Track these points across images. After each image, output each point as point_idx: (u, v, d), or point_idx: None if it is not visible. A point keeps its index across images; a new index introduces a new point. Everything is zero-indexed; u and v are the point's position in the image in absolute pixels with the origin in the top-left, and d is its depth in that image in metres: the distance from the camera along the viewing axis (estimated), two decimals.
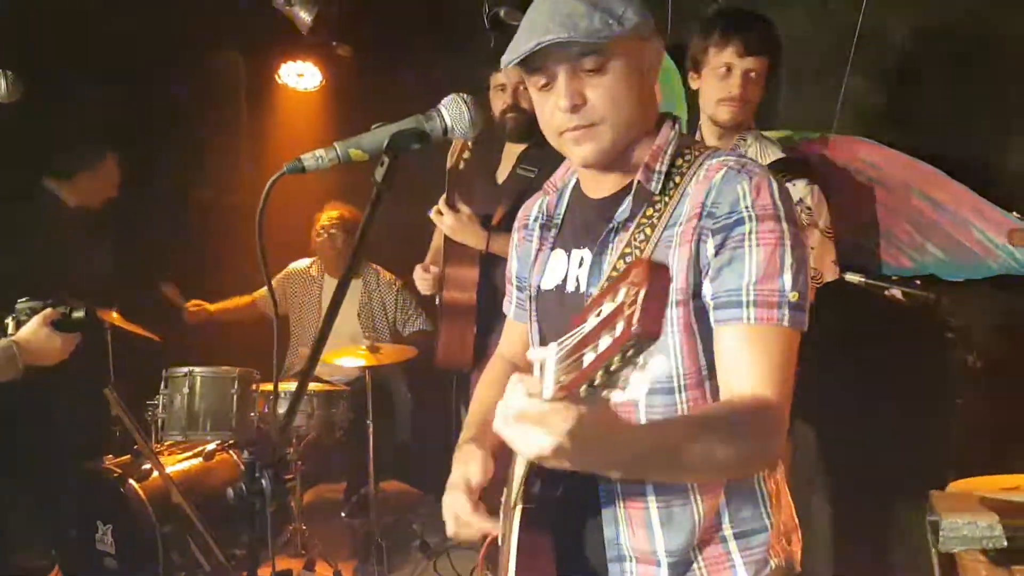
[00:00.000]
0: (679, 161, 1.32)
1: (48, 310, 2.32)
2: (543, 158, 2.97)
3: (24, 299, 2.36)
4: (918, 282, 2.13)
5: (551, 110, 1.29)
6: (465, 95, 1.09)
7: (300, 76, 4.57)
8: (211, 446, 3.57)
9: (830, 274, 2.32)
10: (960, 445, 2.31)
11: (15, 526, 3.87)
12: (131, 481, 3.25)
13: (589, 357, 0.87)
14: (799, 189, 2.25)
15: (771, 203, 1.23)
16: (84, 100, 4.36)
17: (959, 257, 2.75)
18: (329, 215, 4.22)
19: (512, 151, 3.12)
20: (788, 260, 1.22)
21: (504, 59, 1.25)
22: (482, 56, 3.32)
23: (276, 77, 4.58)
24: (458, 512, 1.33)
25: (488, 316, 3.10)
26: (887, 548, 2.83)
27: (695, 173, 1.30)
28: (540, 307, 1.45)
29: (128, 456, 3.42)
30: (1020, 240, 2.42)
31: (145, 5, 3.99)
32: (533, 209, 1.54)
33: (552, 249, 1.44)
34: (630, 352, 0.83)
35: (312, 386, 3.82)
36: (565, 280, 1.39)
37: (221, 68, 4.55)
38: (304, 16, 3.56)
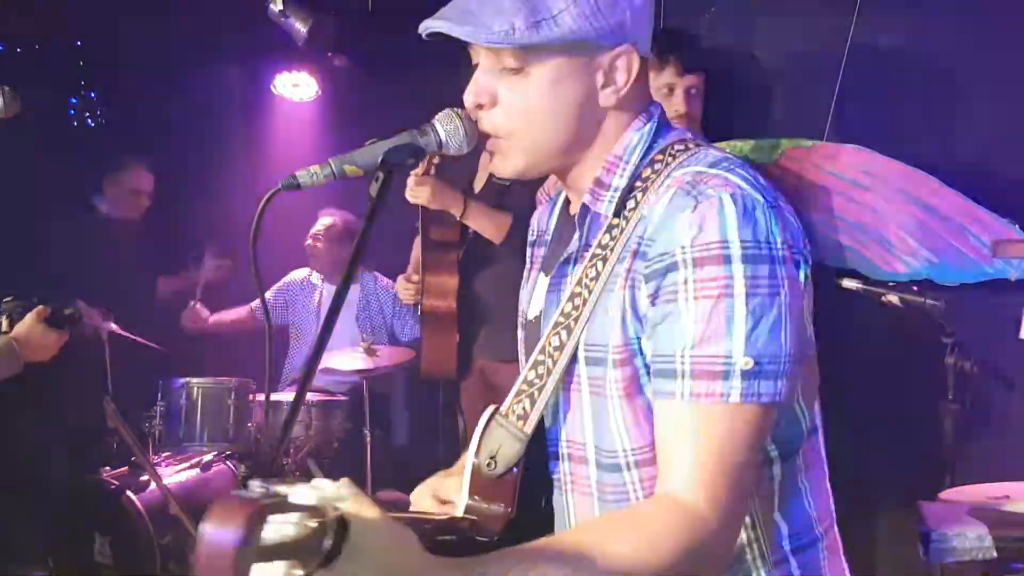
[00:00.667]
0: (647, 172, 1.07)
1: (40, 307, 2.35)
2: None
3: (9, 298, 2.39)
4: (915, 288, 2.13)
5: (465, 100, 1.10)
6: (459, 109, 1.10)
7: (296, 87, 4.59)
8: (208, 457, 3.57)
9: None
10: (953, 452, 2.32)
11: (13, 537, 3.87)
12: (129, 492, 3.25)
13: None
14: None
15: (718, 239, 0.95)
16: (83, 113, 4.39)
17: (954, 262, 2.76)
18: (322, 223, 4.23)
19: (487, 159, 3.13)
20: (738, 315, 0.95)
21: (421, 26, 1.08)
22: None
23: (272, 88, 4.60)
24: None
25: (470, 323, 3.11)
26: (877, 559, 2.83)
27: (657, 188, 1.04)
28: (525, 340, 1.27)
29: (126, 467, 3.42)
30: (1003, 251, 2.42)
31: (141, 17, 4.00)
32: (533, 223, 1.36)
33: (540, 271, 1.25)
34: None
35: (309, 396, 3.83)
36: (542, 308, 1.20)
37: (216, 79, 4.56)
38: (299, 27, 3.58)
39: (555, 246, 1.23)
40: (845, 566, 1.14)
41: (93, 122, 4.82)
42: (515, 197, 2.97)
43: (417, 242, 3.34)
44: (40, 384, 3.61)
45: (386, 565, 0.81)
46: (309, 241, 4.25)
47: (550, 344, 1.08)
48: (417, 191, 2.86)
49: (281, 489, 0.75)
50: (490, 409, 1.13)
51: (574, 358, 1.07)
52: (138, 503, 3.23)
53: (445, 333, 3.12)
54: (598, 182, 1.09)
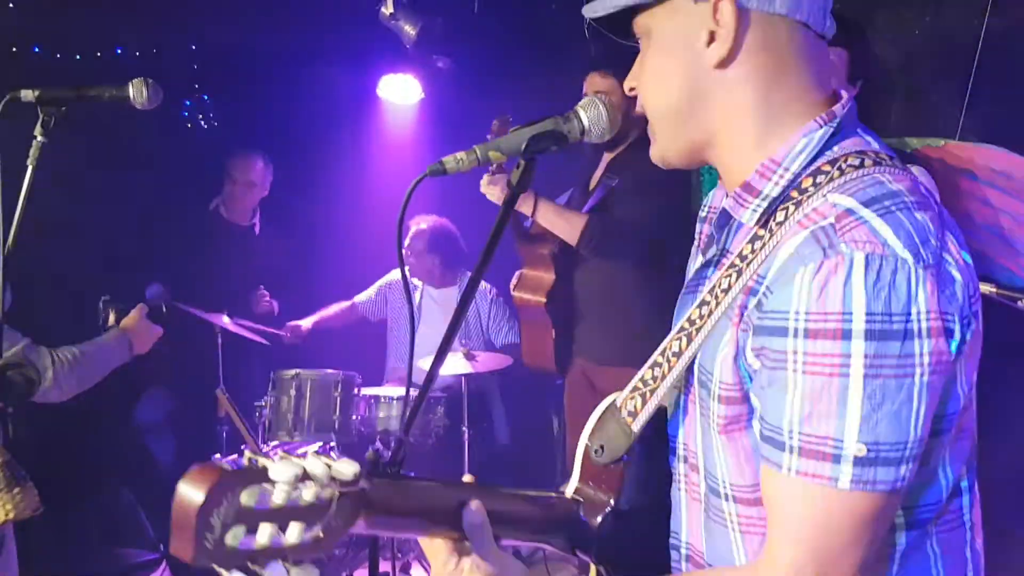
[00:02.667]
0: (807, 182, 0.94)
1: (141, 304, 2.58)
2: (628, 165, 2.96)
3: (107, 297, 2.61)
4: None
5: None
6: (602, 96, 1.10)
7: (400, 90, 4.67)
8: (314, 447, 3.66)
9: None
10: None
11: (127, 521, 4.05)
12: None
13: None
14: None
15: (838, 310, 0.84)
16: (196, 115, 4.58)
17: None
18: (413, 232, 4.28)
19: (606, 158, 3.11)
20: (853, 397, 0.84)
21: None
22: (579, 67, 3.33)
23: (377, 90, 4.69)
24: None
25: (567, 321, 3.07)
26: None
27: (805, 210, 0.92)
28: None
29: (235, 455, 3.53)
30: None
31: (252, 21, 4.14)
32: (707, 198, 1.27)
33: (698, 247, 1.22)
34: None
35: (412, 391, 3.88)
36: None
37: (324, 82, 4.68)
38: (408, 30, 3.64)
39: (708, 244, 1.16)
40: None
41: (206, 124, 5.04)
42: (620, 200, 2.93)
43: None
44: (155, 374, 3.79)
45: None
46: (404, 250, 4.30)
47: (670, 348, 1.03)
48: (490, 188, 2.84)
49: (263, 461, 0.77)
50: (610, 398, 1.12)
51: (691, 369, 1.03)
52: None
53: (539, 327, 3.10)
54: (747, 186, 0.98)
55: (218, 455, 3.58)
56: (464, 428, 3.69)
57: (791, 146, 0.97)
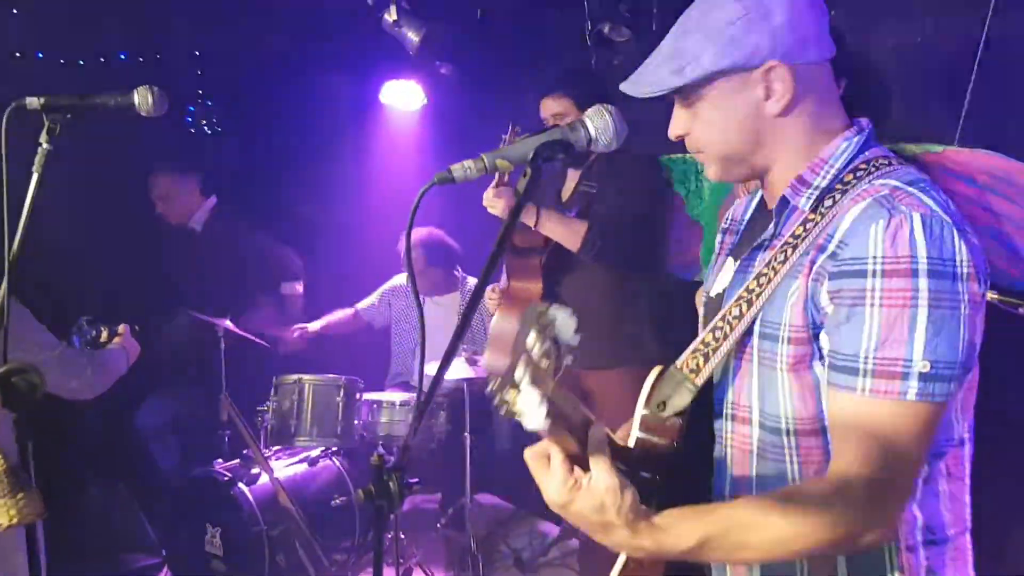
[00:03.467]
0: (849, 176, 1.19)
1: (125, 325, 2.72)
2: (606, 171, 2.99)
3: (88, 317, 2.71)
4: None
5: None
6: (609, 106, 1.11)
7: (403, 96, 4.68)
8: (316, 452, 3.67)
9: None
10: None
11: (128, 526, 4.06)
12: (240, 484, 3.36)
13: None
14: None
15: (908, 254, 1.07)
16: (200, 120, 4.59)
17: None
18: (406, 250, 4.28)
19: (573, 174, 3.14)
20: (920, 324, 1.06)
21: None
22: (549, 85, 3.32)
23: (380, 97, 4.70)
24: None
25: None
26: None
27: (853, 193, 1.16)
28: (704, 315, 1.41)
29: (237, 460, 3.54)
30: None
31: (251, 25, 4.16)
32: (728, 212, 1.51)
33: (727, 256, 1.41)
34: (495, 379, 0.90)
35: (411, 397, 3.89)
36: (724, 288, 1.36)
37: (327, 88, 4.70)
38: (412, 36, 3.65)
39: (747, 235, 1.38)
40: (972, 574, 1.22)
41: (210, 129, 5.05)
42: (599, 204, 2.96)
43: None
44: (157, 379, 3.79)
45: (604, 517, 1.03)
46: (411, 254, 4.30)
47: (731, 314, 1.22)
48: (494, 202, 2.86)
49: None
50: (657, 370, 1.29)
51: (750, 331, 1.21)
52: (249, 495, 3.33)
53: None
54: (801, 179, 1.22)
55: (220, 460, 3.58)
56: (466, 434, 3.69)
57: (835, 148, 1.22)
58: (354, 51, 4.51)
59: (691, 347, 1.26)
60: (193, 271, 4.08)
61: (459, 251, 4.30)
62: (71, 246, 3.67)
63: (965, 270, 1.08)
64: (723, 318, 1.23)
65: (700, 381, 1.22)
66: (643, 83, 1.21)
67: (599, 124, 1.09)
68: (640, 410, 1.25)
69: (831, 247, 1.13)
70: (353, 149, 4.91)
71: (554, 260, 3.03)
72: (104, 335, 2.66)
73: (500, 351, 0.90)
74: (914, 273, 1.06)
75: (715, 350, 1.22)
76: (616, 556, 1.20)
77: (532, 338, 0.91)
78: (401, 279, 4.49)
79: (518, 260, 3.10)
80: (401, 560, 3.73)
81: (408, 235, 1.10)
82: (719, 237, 1.50)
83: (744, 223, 1.43)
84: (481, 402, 4.12)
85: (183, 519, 3.52)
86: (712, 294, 1.39)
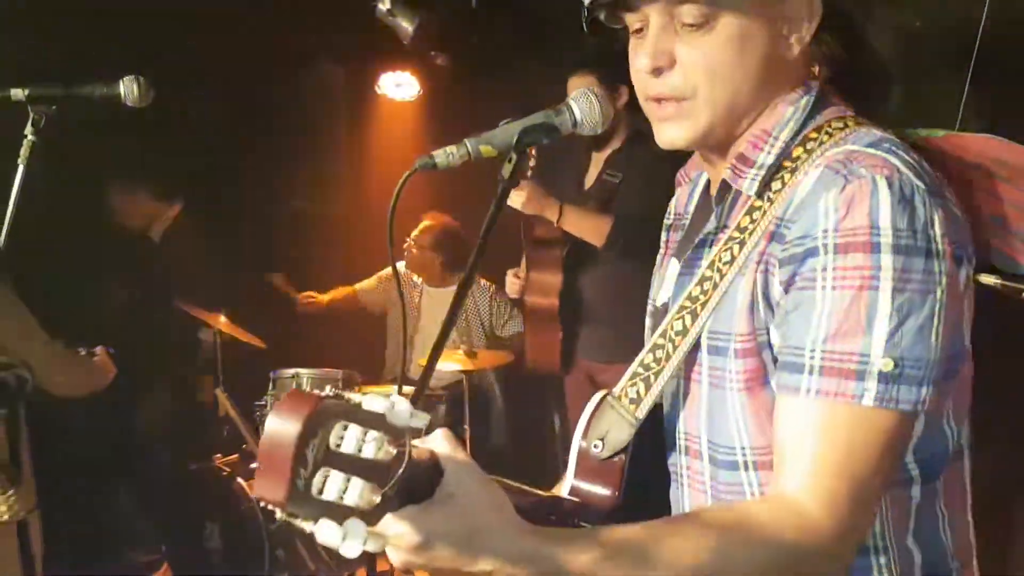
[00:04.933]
0: (798, 151, 0.97)
1: (102, 347, 2.74)
2: (631, 161, 2.96)
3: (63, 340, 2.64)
4: None
5: (636, 68, 1.02)
6: (595, 88, 1.08)
7: (398, 86, 4.66)
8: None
9: None
10: None
11: (126, 523, 4.05)
12: (239, 480, 3.35)
13: None
14: None
15: (866, 224, 0.86)
16: (186, 110, 4.55)
17: None
18: (421, 227, 4.26)
19: (597, 157, 3.10)
20: (882, 309, 0.85)
21: None
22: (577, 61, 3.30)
23: (376, 87, 4.68)
24: None
25: (573, 321, 3.09)
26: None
27: (807, 169, 0.95)
28: (652, 328, 1.17)
29: (236, 455, 3.53)
30: None
31: (247, 15, 4.13)
32: (671, 205, 1.27)
33: (673, 256, 1.17)
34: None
35: (409, 390, 3.87)
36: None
37: (322, 78, 4.67)
38: (406, 26, 3.63)
39: (692, 230, 1.15)
40: None
41: (202, 121, 5.02)
42: (624, 196, 2.93)
43: None
44: (155, 375, 3.78)
45: (476, 521, 0.77)
46: (408, 242, 4.30)
47: (672, 329, 1.02)
48: (513, 195, 2.82)
49: (355, 397, 0.69)
50: (601, 392, 1.09)
51: (697, 346, 1.00)
52: (248, 489, 3.33)
53: (548, 330, 3.11)
54: (741, 157, 1.00)
55: (218, 455, 3.57)
56: (465, 427, 3.68)
57: (780, 116, 1.00)
58: (349, 41, 4.48)
59: (629, 370, 1.05)
60: (151, 283, 4.02)
61: (467, 251, 4.28)
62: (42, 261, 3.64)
63: (940, 246, 0.88)
64: (663, 334, 1.03)
65: (642, 414, 1.02)
66: None
67: (583, 106, 1.06)
68: (577, 443, 1.06)
69: (780, 229, 0.93)
70: (349, 140, 4.88)
71: (576, 253, 3.01)
72: (83, 351, 2.70)
73: (274, 476, 0.61)
74: (875, 247, 0.86)
75: (657, 374, 1.02)
76: None
77: (342, 440, 0.66)
78: (401, 267, 4.46)
79: (540, 252, 3.09)
80: None
81: (391, 219, 1.07)
82: (663, 235, 1.27)
83: (689, 216, 1.19)
84: (480, 394, 4.11)
85: (182, 514, 3.52)
86: (658, 303, 1.17)
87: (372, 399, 0.69)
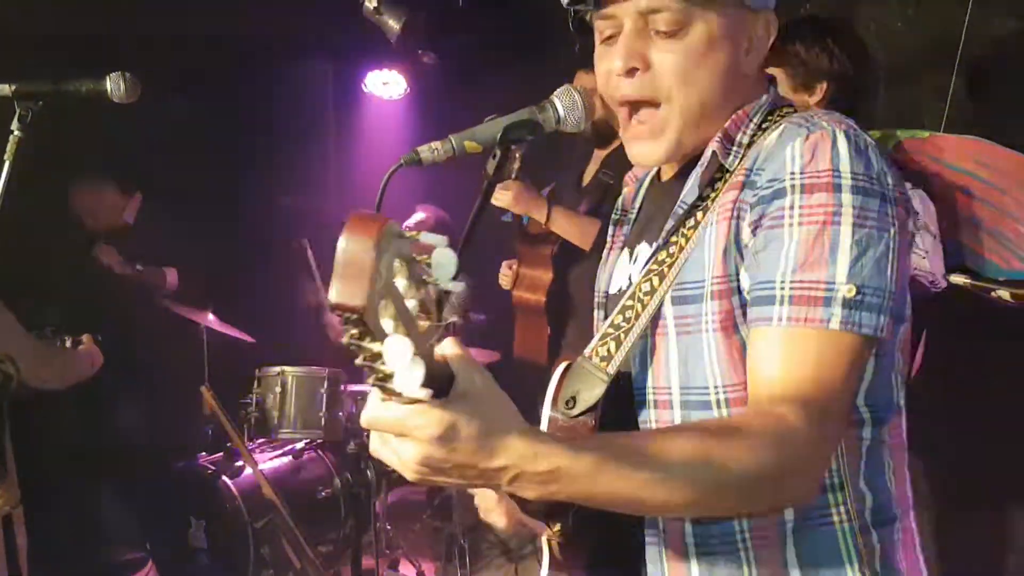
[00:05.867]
0: (758, 131, 1.09)
1: (88, 335, 2.71)
2: (625, 162, 2.97)
3: (52, 327, 2.70)
4: None
5: (607, 71, 1.07)
6: (577, 86, 1.09)
7: (385, 84, 4.67)
8: (300, 445, 3.65)
9: (942, 281, 2.24)
10: None
11: (110, 520, 4.03)
12: (224, 477, 3.34)
13: None
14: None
15: (828, 168, 0.96)
16: (171, 106, 4.53)
17: None
18: (414, 218, 4.25)
19: (598, 155, 3.12)
20: (844, 242, 0.94)
21: None
22: (563, 61, 3.32)
23: (363, 86, 4.68)
24: (483, 498, 1.21)
25: (562, 317, 3.10)
26: (996, 560, 2.71)
27: (765, 137, 1.05)
28: (605, 315, 1.24)
29: (221, 453, 3.52)
30: None
31: (234, 13, 4.12)
32: (618, 203, 1.35)
33: (621, 248, 1.25)
34: (355, 332, 0.66)
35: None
36: (624, 281, 1.19)
37: (309, 76, 4.66)
38: (393, 24, 3.62)
39: (644, 219, 1.23)
40: (920, 558, 1.10)
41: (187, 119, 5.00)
42: (615, 198, 2.95)
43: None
44: (140, 372, 3.76)
45: (491, 418, 0.79)
46: None
47: (640, 290, 1.08)
48: (500, 194, 2.83)
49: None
50: (565, 362, 1.12)
51: (663, 303, 1.06)
52: (233, 488, 3.32)
53: (535, 326, 3.12)
54: (725, 135, 1.07)
55: (203, 453, 3.55)
56: None
57: (758, 104, 1.10)
58: (336, 40, 4.48)
59: (599, 333, 1.10)
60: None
61: (457, 244, 4.27)
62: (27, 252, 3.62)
63: (892, 193, 0.98)
64: (632, 296, 1.08)
65: (613, 369, 1.06)
66: None
67: (567, 103, 1.07)
68: (547, 412, 1.09)
69: (750, 178, 1.02)
70: (336, 138, 4.88)
71: (566, 250, 3.02)
72: (68, 343, 2.67)
73: (353, 281, 0.62)
74: (836, 188, 0.95)
75: (627, 332, 1.07)
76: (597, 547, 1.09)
77: (398, 274, 0.69)
78: None
79: (530, 248, 3.10)
80: (388, 551, 3.73)
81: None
82: (610, 230, 1.35)
83: (638, 210, 1.28)
84: None
85: (167, 512, 3.51)
86: (611, 292, 1.23)
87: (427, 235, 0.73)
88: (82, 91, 1.79)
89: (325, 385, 3.67)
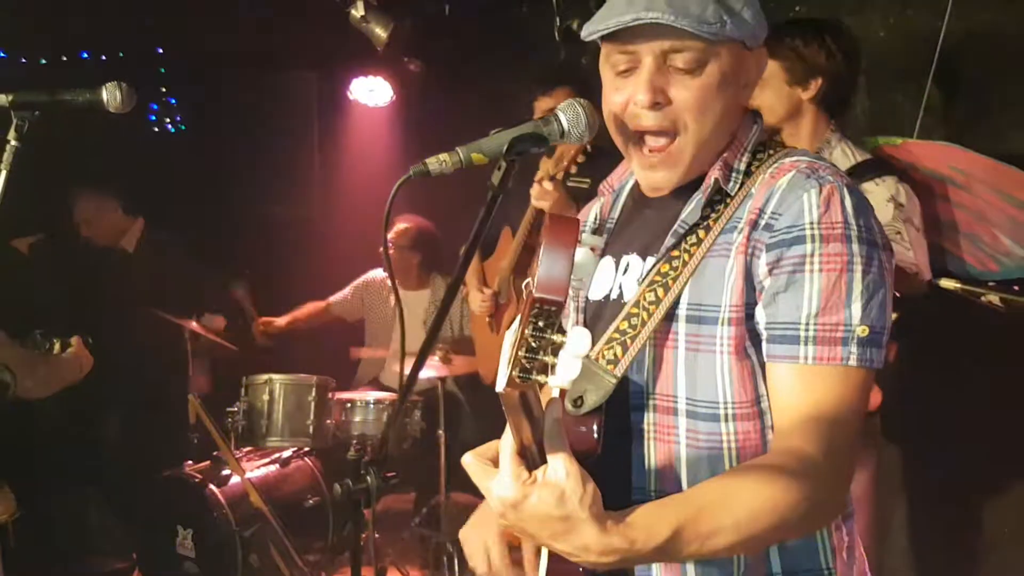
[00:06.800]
0: (753, 159, 1.21)
1: (77, 337, 2.67)
2: (595, 167, 3.00)
3: (41, 330, 2.66)
4: (1016, 288, 2.08)
5: (624, 101, 1.16)
6: (581, 99, 1.12)
7: (371, 91, 4.67)
8: (287, 453, 3.64)
9: (927, 272, 2.29)
10: None
11: (96, 529, 4.00)
12: (211, 486, 3.33)
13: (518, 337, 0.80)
14: (889, 186, 2.24)
15: (841, 220, 1.08)
16: (163, 118, 4.53)
17: None
18: (398, 228, 4.26)
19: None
20: (856, 288, 1.07)
21: (588, 28, 1.14)
22: (550, 70, 3.35)
23: (348, 93, 4.69)
24: (491, 555, 1.27)
25: None
26: (977, 558, 2.76)
27: (764, 172, 1.18)
28: (588, 320, 1.31)
29: (208, 462, 3.50)
30: None
31: (219, 21, 4.12)
32: (589, 214, 1.41)
33: (602, 256, 1.32)
34: (541, 323, 0.76)
35: (385, 396, 3.88)
36: (611, 289, 1.26)
37: (294, 83, 4.67)
38: (380, 32, 3.64)
39: (625, 230, 1.31)
40: (861, 550, 1.24)
41: (173, 127, 4.99)
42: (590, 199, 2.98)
43: (499, 255, 3.36)
44: (125, 380, 3.75)
45: (569, 510, 0.93)
46: (390, 248, 4.28)
47: (645, 299, 1.17)
48: (547, 195, 2.86)
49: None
50: None
51: (670, 316, 1.16)
52: (220, 496, 3.30)
53: None
54: (725, 163, 1.18)
55: (190, 461, 3.54)
56: (440, 431, 3.69)
57: (750, 133, 1.22)
58: (322, 47, 4.48)
59: (604, 336, 1.18)
60: (127, 291, 3.98)
61: (442, 252, 4.29)
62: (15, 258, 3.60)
63: (882, 240, 1.11)
64: (637, 304, 1.17)
65: (620, 372, 1.15)
66: (688, 13, 1.08)
67: (570, 117, 1.10)
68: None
69: (764, 221, 1.12)
70: (321, 145, 4.88)
71: None
72: (57, 346, 2.65)
73: (557, 279, 0.78)
74: (847, 239, 1.08)
75: (633, 337, 1.15)
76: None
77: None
78: (374, 274, 4.46)
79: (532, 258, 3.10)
80: (375, 560, 3.72)
81: (385, 226, 1.11)
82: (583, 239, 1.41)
83: (617, 220, 1.35)
84: (454, 399, 4.12)
85: (154, 521, 3.48)
86: (593, 298, 1.30)
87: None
88: (79, 101, 1.78)
89: (313, 393, 3.66)
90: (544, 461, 0.95)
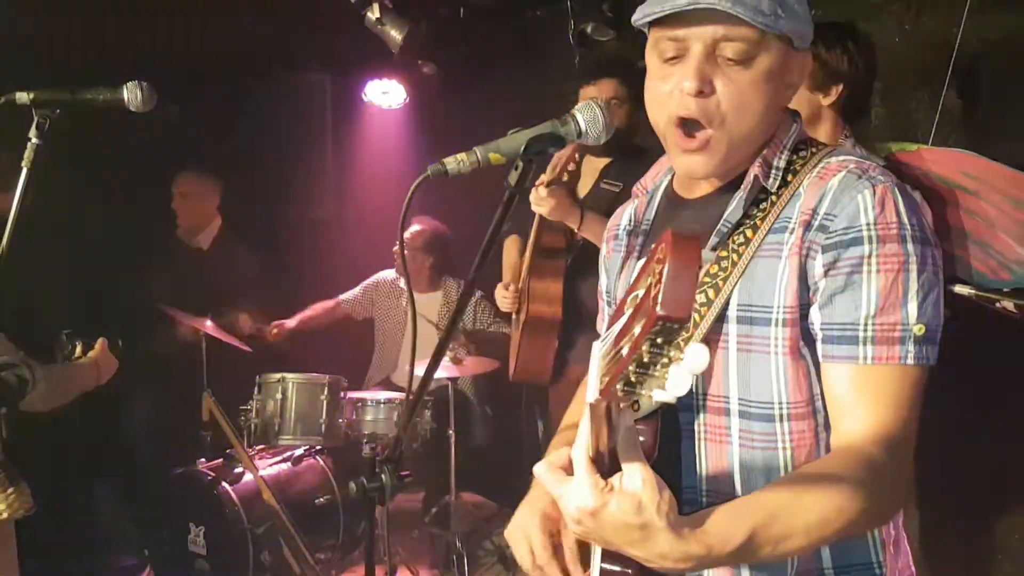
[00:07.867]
0: (795, 157, 1.20)
1: (102, 339, 2.65)
2: (628, 171, 3.00)
3: (68, 331, 2.66)
4: None
5: (671, 88, 1.14)
6: (598, 100, 1.13)
7: (385, 94, 4.69)
8: (299, 451, 3.66)
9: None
10: None
11: (109, 527, 4.03)
12: (224, 483, 3.35)
13: (624, 351, 0.80)
14: None
15: (896, 220, 1.09)
16: (171, 120, 4.56)
17: None
18: (412, 230, 4.27)
19: (594, 165, 3.14)
20: (913, 287, 1.08)
21: (640, 12, 1.12)
22: (563, 73, 3.36)
23: (363, 95, 4.71)
24: (534, 548, 1.25)
25: (569, 331, 3.11)
26: (988, 566, 2.75)
27: (810, 171, 1.17)
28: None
29: (220, 459, 3.53)
30: None
31: (233, 23, 4.15)
32: (623, 217, 1.43)
33: (639, 258, 1.34)
34: (659, 340, 0.75)
35: (396, 396, 3.90)
36: None
37: (308, 85, 4.69)
38: (395, 35, 3.66)
39: (664, 230, 1.26)
40: (907, 544, 1.25)
41: (190, 130, 5.02)
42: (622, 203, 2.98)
43: (508, 248, 3.36)
44: (141, 379, 3.78)
45: (646, 518, 0.92)
46: (397, 247, 4.30)
47: (696, 301, 1.14)
48: (543, 200, 2.84)
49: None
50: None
51: (721, 317, 1.16)
52: (233, 494, 3.32)
53: (546, 339, 3.11)
54: (765, 161, 1.18)
55: (203, 459, 3.56)
56: (450, 432, 3.70)
57: (789, 129, 1.22)
58: (336, 49, 4.51)
59: None
60: (195, 287, 4.06)
61: (453, 256, 4.30)
62: (59, 254, 3.64)
63: (933, 238, 1.12)
64: None
65: None
66: (744, 2, 1.07)
67: (588, 117, 1.11)
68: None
69: (817, 221, 1.12)
70: (335, 147, 4.90)
71: (578, 263, 3.04)
72: (79, 349, 2.62)
73: (682, 297, 0.75)
74: (903, 239, 1.08)
75: (687, 340, 1.09)
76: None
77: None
78: (385, 275, 4.48)
79: (543, 261, 3.10)
80: (384, 558, 3.73)
81: (401, 226, 1.12)
82: (615, 242, 1.43)
83: (652, 221, 1.36)
84: (464, 399, 4.14)
85: (166, 518, 3.50)
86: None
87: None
88: (99, 100, 1.81)
89: (325, 392, 3.69)
90: (615, 468, 0.95)
